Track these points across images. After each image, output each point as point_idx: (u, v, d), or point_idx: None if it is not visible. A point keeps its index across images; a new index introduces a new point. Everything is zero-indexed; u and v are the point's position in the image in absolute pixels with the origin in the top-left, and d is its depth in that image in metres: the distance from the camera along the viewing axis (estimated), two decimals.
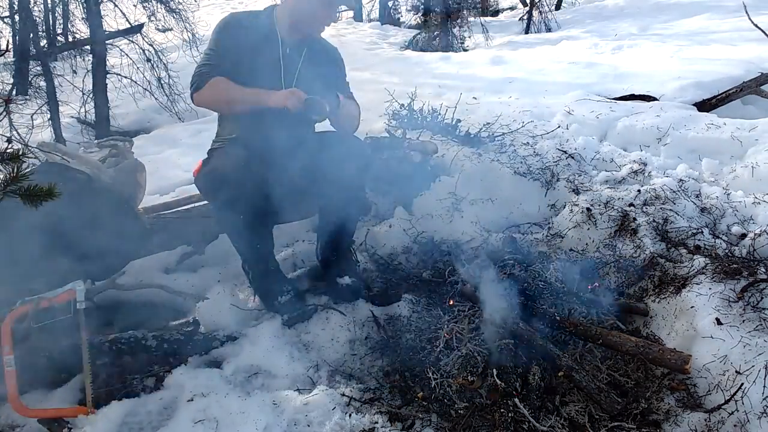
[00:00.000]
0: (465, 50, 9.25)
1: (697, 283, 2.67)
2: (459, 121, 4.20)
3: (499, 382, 2.38)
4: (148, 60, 7.16)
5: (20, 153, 1.93)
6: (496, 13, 14.61)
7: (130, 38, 7.42)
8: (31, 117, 6.09)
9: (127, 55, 7.15)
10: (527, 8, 11.33)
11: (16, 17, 7.49)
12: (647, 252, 3.00)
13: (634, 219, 3.17)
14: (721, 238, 2.98)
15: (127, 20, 7.50)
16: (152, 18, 7.74)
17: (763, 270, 2.64)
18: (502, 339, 2.62)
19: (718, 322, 2.43)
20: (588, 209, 3.32)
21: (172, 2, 7.73)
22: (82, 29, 8.80)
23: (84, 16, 7.43)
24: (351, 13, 14.32)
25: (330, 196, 2.88)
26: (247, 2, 18.27)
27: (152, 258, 3.34)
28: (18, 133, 5.53)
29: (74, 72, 7.70)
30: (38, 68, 6.97)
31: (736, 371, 2.24)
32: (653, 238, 3.06)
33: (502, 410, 2.28)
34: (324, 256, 3.14)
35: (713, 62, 5.37)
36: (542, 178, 3.67)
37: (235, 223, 2.73)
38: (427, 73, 6.33)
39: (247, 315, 2.99)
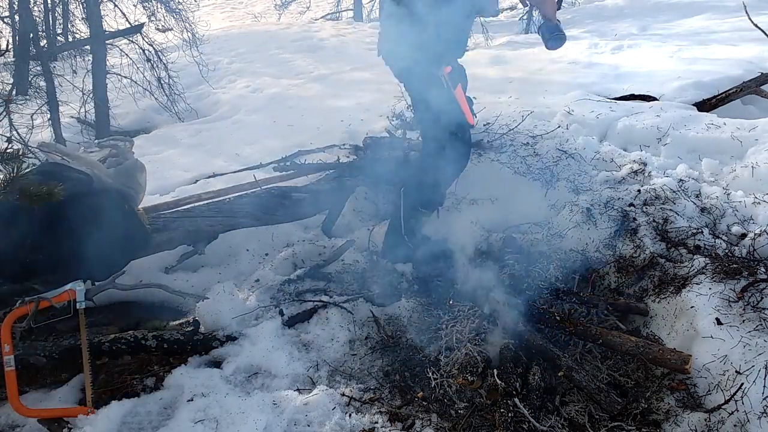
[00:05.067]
0: (465, 50, 9.23)
1: (697, 283, 2.67)
2: None
3: (499, 382, 2.38)
4: (148, 60, 7.14)
5: (20, 153, 1.93)
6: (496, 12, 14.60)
7: (130, 38, 7.40)
8: (31, 117, 6.07)
9: (127, 55, 7.14)
10: (527, 8, 11.31)
11: (16, 17, 7.48)
12: (647, 252, 3.00)
13: (634, 219, 3.17)
14: (721, 238, 2.98)
15: (127, 20, 7.49)
16: (152, 18, 7.72)
17: (763, 270, 2.63)
18: (502, 339, 2.62)
19: (718, 322, 2.43)
20: (588, 209, 3.32)
21: (172, 2, 7.72)
22: (82, 29, 8.79)
23: (84, 16, 7.42)
24: (351, 13, 14.33)
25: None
26: (247, 2, 18.27)
27: (152, 258, 3.34)
28: (18, 133, 5.51)
29: (74, 72, 7.69)
30: (38, 68, 6.95)
31: (736, 371, 2.24)
32: (653, 238, 3.06)
33: (502, 410, 2.28)
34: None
35: (713, 62, 5.37)
36: (542, 178, 3.67)
37: None
38: None
39: (247, 315, 2.99)
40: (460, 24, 3.39)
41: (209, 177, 4.44)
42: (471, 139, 3.56)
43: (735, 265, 2.69)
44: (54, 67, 7.41)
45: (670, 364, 2.37)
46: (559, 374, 2.41)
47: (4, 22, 7.93)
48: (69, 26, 9.31)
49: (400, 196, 3.43)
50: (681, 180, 3.43)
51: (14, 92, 6.99)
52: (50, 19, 9.02)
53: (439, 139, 3.32)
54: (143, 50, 7.16)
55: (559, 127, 4.05)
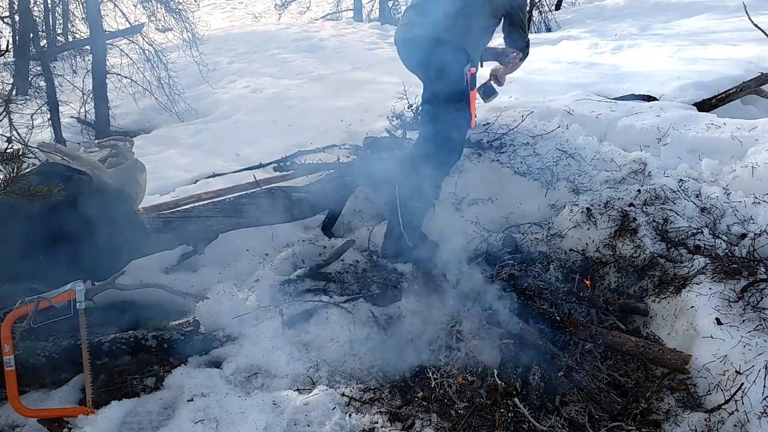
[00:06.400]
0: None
1: (697, 283, 2.67)
2: None
3: (499, 382, 2.38)
4: (148, 60, 7.15)
5: (20, 153, 1.93)
6: None
7: (130, 38, 7.41)
8: (31, 117, 6.07)
9: (127, 55, 7.15)
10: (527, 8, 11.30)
11: (16, 17, 7.49)
12: (647, 252, 3.00)
13: (634, 219, 3.17)
14: (721, 238, 2.98)
15: (127, 20, 7.51)
16: (152, 18, 7.73)
17: (763, 270, 2.64)
18: (502, 339, 2.62)
19: (718, 322, 2.43)
20: (588, 209, 3.32)
21: (172, 2, 7.72)
22: (82, 29, 8.80)
23: (84, 16, 7.44)
24: (351, 13, 14.33)
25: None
26: (247, 2, 18.28)
27: (152, 258, 3.34)
28: (18, 133, 5.52)
29: (74, 72, 7.70)
30: (38, 68, 6.96)
31: (736, 371, 2.24)
32: (653, 238, 3.06)
33: (502, 410, 2.28)
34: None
35: (713, 62, 5.36)
36: (542, 178, 3.67)
37: None
38: None
39: (247, 315, 2.99)
40: (490, 29, 3.62)
41: (209, 177, 4.45)
42: (465, 139, 3.72)
43: (735, 265, 2.69)
44: (54, 67, 7.41)
45: (670, 364, 2.37)
46: (559, 374, 2.41)
47: (4, 22, 7.94)
48: (69, 26, 9.32)
49: (396, 194, 3.47)
50: (681, 180, 3.43)
51: (14, 92, 6.99)
52: (50, 19, 9.03)
53: (439, 133, 3.43)
54: (143, 50, 7.17)
55: (559, 127, 4.05)
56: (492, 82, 3.96)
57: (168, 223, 3.30)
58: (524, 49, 3.74)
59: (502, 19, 3.61)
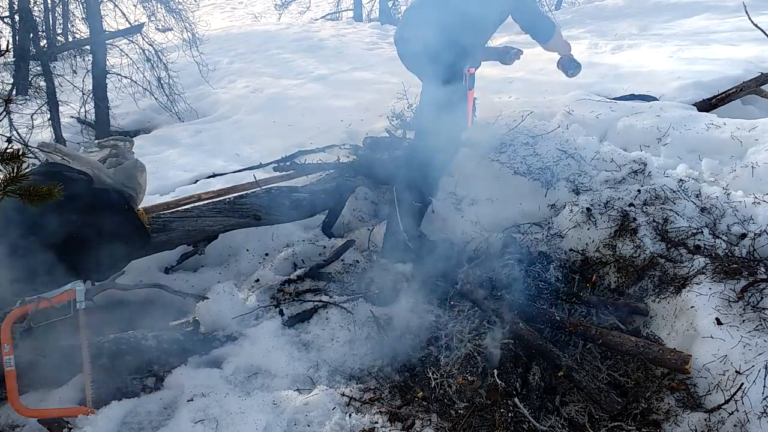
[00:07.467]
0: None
1: (697, 283, 2.66)
2: None
3: (499, 382, 2.38)
4: (148, 60, 7.14)
5: (20, 153, 1.93)
6: None
7: (130, 38, 7.40)
8: (31, 117, 6.07)
9: (127, 55, 7.14)
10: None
11: (16, 17, 7.48)
12: (647, 252, 3.00)
13: (634, 219, 3.17)
14: (721, 238, 2.98)
15: (127, 20, 7.49)
16: (152, 18, 7.73)
17: (763, 270, 2.63)
18: (502, 339, 2.62)
19: (718, 322, 2.43)
20: (588, 209, 3.31)
21: (172, 2, 7.72)
22: (82, 29, 8.80)
23: (84, 16, 7.43)
24: (351, 13, 14.33)
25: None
26: (247, 2, 18.28)
27: (152, 258, 3.34)
28: (18, 133, 5.52)
29: (74, 72, 7.69)
30: (38, 68, 6.95)
31: (736, 371, 2.24)
32: (653, 238, 3.06)
33: (502, 410, 2.29)
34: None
35: (713, 62, 5.37)
36: (542, 178, 3.67)
37: None
38: None
39: (247, 315, 2.99)
40: (491, 29, 3.63)
41: (209, 177, 4.45)
42: (461, 138, 3.74)
43: (735, 265, 2.69)
44: (54, 67, 7.40)
45: (670, 364, 2.37)
46: (559, 374, 2.41)
47: (4, 22, 7.92)
48: (69, 26, 9.31)
49: (395, 194, 3.48)
50: (681, 180, 3.43)
51: (14, 92, 6.98)
52: (50, 19, 9.02)
53: (436, 131, 3.46)
54: (143, 50, 7.16)
55: (559, 127, 4.05)
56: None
57: (168, 223, 3.30)
58: (552, 31, 3.66)
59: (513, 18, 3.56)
